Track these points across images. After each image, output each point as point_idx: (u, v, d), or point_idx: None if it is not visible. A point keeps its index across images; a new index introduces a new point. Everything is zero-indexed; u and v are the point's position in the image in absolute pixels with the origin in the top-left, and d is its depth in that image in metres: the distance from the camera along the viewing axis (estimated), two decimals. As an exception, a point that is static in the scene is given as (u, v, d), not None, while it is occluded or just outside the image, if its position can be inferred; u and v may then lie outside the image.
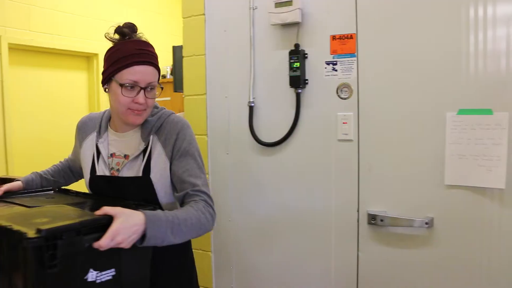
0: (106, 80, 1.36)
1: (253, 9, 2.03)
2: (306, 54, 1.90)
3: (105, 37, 1.36)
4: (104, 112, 1.53)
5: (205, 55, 2.14)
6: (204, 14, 2.14)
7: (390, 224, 1.75)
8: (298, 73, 1.88)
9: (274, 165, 1.98)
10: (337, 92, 1.84)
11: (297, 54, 1.89)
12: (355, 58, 1.81)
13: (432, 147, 1.68)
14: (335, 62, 1.85)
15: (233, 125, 2.08)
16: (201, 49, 2.14)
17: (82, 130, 1.53)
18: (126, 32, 1.35)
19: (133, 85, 1.31)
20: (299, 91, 1.90)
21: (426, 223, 1.69)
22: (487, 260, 1.62)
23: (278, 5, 1.91)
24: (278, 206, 1.98)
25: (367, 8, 1.78)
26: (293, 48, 1.91)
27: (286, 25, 1.94)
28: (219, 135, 2.11)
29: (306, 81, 1.90)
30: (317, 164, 1.89)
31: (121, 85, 1.30)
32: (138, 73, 1.31)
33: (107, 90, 1.39)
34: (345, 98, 1.83)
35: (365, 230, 1.81)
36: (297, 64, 1.89)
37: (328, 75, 1.86)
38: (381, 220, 1.76)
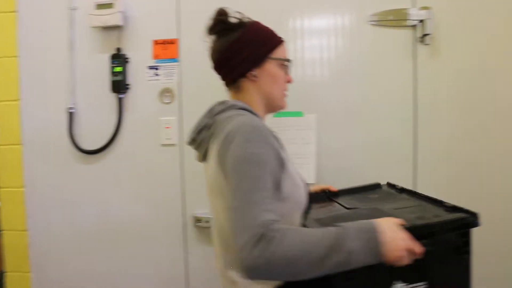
0: (256, 63, 1.12)
1: (73, 9, 1.91)
2: (128, 58, 1.86)
3: (221, 23, 1.14)
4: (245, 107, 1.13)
5: (19, 56, 1.95)
6: (15, 11, 1.95)
7: (215, 225, 1.81)
8: (120, 77, 1.83)
9: (97, 173, 1.89)
10: (159, 97, 1.84)
11: (119, 59, 1.84)
12: (177, 63, 1.83)
13: (249, 148, 1.77)
14: (157, 67, 1.85)
15: (52, 132, 1.92)
16: (12, 50, 1.94)
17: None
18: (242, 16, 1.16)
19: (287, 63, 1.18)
20: (121, 96, 1.85)
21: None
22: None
23: (99, 6, 1.84)
24: (102, 216, 1.90)
25: (190, 13, 1.81)
26: (114, 52, 1.85)
27: (108, 28, 1.87)
28: (37, 144, 1.94)
29: (128, 86, 1.86)
30: (141, 169, 1.86)
31: (281, 63, 1.16)
32: (285, 50, 1.19)
33: (255, 76, 1.13)
34: (167, 103, 1.84)
35: (192, 232, 1.84)
36: (118, 69, 1.84)
37: (151, 80, 1.85)
38: (207, 221, 1.80)
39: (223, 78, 1.18)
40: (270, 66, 1.13)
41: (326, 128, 1.75)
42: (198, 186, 1.81)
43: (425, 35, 1.67)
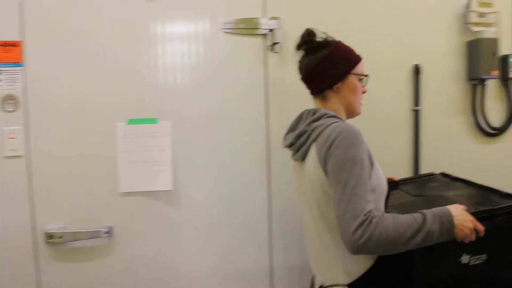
0: (340, 78, 1.33)
1: None
2: (-39, 61, 1.66)
3: (309, 43, 1.37)
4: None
5: None
6: None
7: (71, 239, 1.70)
8: (-49, 83, 1.63)
9: None
10: (1, 105, 1.68)
11: (-50, 62, 1.64)
12: (21, 68, 1.69)
13: (105, 157, 1.71)
14: (-3, 72, 1.68)
15: None
16: None
17: None
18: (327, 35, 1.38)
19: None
20: (-46, 103, 1.66)
21: (106, 232, 1.71)
22: (167, 255, 1.76)
23: None
24: None
25: (35, 14, 1.68)
26: None
27: None
28: None
29: (-38, 93, 1.67)
30: (-20, 185, 1.68)
31: (359, 78, 1.35)
32: (362, 65, 1.38)
33: (338, 88, 1.34)
34: (11, 111, 1.68)
35: (44, 249, 1.71)
36: (-50, 73, 1.64)
37: (-9, 86, 1.68)
38: (60, 237, 1.69)
39: (311, 89, 1.39)
40: (351, 80, 1.34)
41: (182, 135, 1.75)
42: (51, 199, 1.69)
43: (275, 43, 1.76)
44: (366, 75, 1.37)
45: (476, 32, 1.95)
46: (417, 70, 1.89)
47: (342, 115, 1.37)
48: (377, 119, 1.86)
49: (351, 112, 1.39)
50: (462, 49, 1.97)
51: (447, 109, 1.96)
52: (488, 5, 1.95)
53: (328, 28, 1.81)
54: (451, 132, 1.97)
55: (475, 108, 1.99)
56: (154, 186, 1.74)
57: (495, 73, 1.95)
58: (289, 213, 1.81)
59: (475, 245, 1.18)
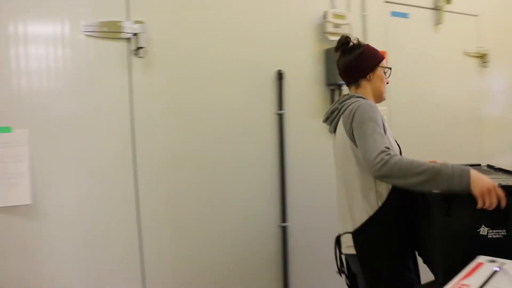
0: (372, 70, 1.65)
1: None
2: None
3: (346, 44, 1.66)
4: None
5: None
6: None
7: None
8: None
9: None
10: None
11: None
12: None
13: None
14: None
15: None
16: None
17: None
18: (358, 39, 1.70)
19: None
20: None
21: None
22: (31, 275, 1.63)
23: None
24: None
25: None
26: None
27: None
28: None
29: None
30: None
31: (384, 70, 1.69)
32: (386, 60, 1.72)
33: (370, 77, 1.66)
34: None
35: None
36: None
37: None
38: None
39: (348, 80, 1.70)
40: (379, 71, 1.68)
41: (42, 143, 1.64)
42: None
43: (139, 48, 1.73)
44: (390, 68, 1.71)
45: (332, 41, 2.13)
46: (280, 76, 2.01)
47: (371, 99, 1.66)
48: (243, 122, 1.94)
49: (379, 97, 1.71)
50: (321, 56, 2.13)
51: (309, 112, 2.11)
52: (342, 17, 2.15)
53: (193, 34, 1.86)
54: (313, 133, 2.12)
55: (334, 110, 2.17)
56: (10, 201, 1.61)
57: (350, 78, 2.15)
58: (160, 219, 1.80)
59: (494, 220, 1.23)
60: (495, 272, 0.98)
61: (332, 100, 2.16)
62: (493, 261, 1.05)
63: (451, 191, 1.26)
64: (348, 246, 1.55)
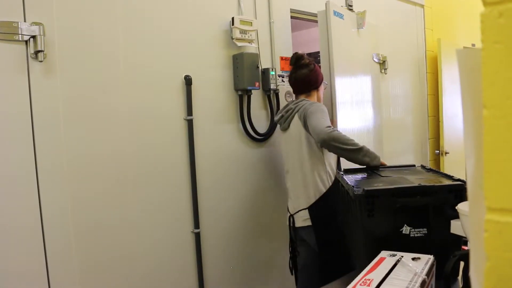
0: (319, 83, 2.17)
1: None
2: None
3: (301, 60, 2.15)
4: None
5: None
6: None
7: None
8: None
9: None
10: None
11: None
12: None
13: None
14: None
15: None
16: None
17: None
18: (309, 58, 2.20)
19: None
20: None
21: None
22: None
23: None
24: None
25: None
26: None
27: None
28: None
29: None
30: None
31: (325, 85, 2.28)
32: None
33: (318, 89, 2.17)
34: None
35: None
36: None
37: None
38: None
39: (301, 89, 2.14)
40: (322, 85, 2.19)
41: None
42: None
43: (38, 51, 1.65)
44: (326, 83, 2.31)
45: (240, 47, 2.20)
46: (188, 81, 2.02)
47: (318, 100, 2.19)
48: (153, 128, 1.93)
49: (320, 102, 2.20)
50: (229, 62, 2.19)
51: (218, 117, 2.16)
52: (249, 23, 2.22)
53: (100, 38, 1.81)
54: (223, 138, 2.18)
55: (243, 116, 2.24)
56: None
57: (258, 84, 2.23)
58: (65, 229, 1.74)
59: (416, 220, 1.33)
60: (395, 264, 1.06)
61: (241, 105, 2.22)
62: (394, 255, 1.13)
63: (368, 164, 1.80)
64: (305, 219, 1.99)
